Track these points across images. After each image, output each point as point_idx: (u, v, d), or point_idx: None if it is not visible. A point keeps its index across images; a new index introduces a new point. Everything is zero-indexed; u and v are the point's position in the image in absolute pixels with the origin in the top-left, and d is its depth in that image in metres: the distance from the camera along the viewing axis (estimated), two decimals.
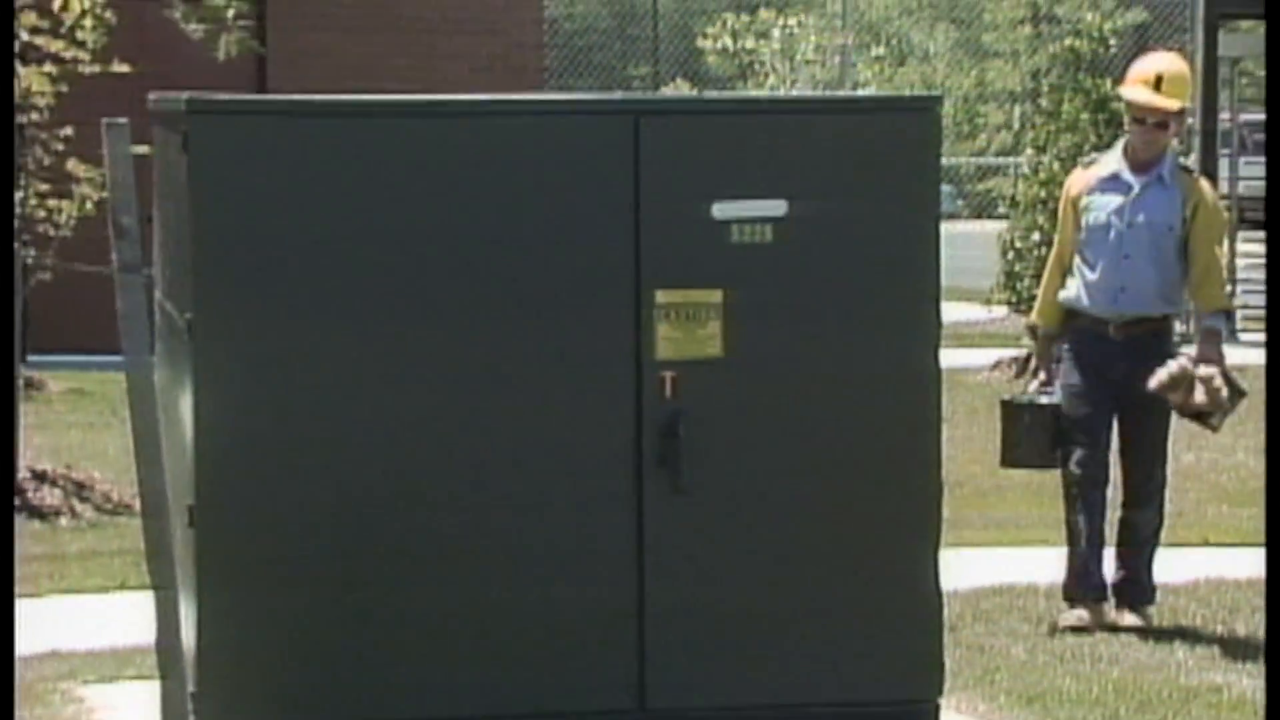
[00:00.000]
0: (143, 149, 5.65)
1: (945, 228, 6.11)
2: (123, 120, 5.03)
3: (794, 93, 20.58)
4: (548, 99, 7.28)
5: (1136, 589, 7.63)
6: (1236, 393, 7.60)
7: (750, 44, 22.50)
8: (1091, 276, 7.51)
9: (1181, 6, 18.87)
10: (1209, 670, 7.02)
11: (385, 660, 5.70)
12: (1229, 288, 9.60)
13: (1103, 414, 7.53)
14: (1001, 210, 17.29)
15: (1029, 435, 7.62)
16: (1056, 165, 15.35)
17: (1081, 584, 7.59)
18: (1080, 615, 7.51)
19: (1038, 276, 15.29)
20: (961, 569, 7.41)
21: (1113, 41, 16.68)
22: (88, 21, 10.27)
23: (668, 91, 25.18)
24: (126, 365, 4.88)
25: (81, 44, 10.51)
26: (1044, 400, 7.59)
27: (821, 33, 23.57)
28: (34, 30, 10.74)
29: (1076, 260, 7.58)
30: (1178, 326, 8.04)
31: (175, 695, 4.74)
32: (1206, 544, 9.26)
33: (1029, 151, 16.30)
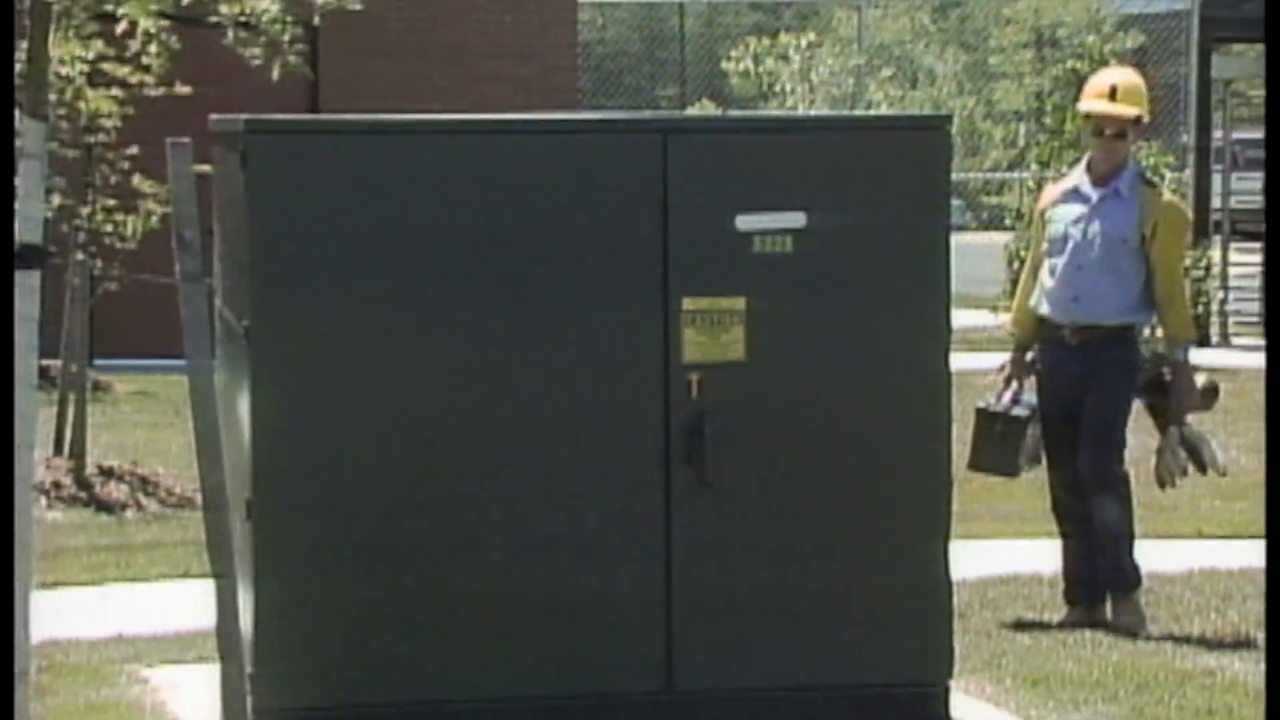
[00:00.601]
0: (204, 167, 5.66)
1: (954, 239, 6.10)
2: (185, 140, 5.04)
3: (812, 112, 20.54)
4: (582, 118, 7.28)
5: (1119, 575, 7.39)
6: (1213, 393, 7.55)
7: (770, 66, 22.47)
8: (1050, 284, 7.44)
9: (1177, 31, 18.82)
10: (1203, 654, 6.99)
11: (428, 644, 5.71)
12: (1196, 309, 9.33)
13: (1071, 420, 7.44)
14: (1007, 222, 17.25)
15: (1000, 444, 7.47)
16: None
17: (1080, 588, 7.50)
18: (1076, 616, 7.42)
19: None
20: (970, 560, 7.40)
21: (1112, 63, 16.63)
22: (153, 48, 10.30)
23: (693, 111, 25.14)
24: (188, 369, 4.90)
25: (146, 69, 10.54)
26: (1018, 412, 7.45)
27: (837, 56, 23.53)
28: (101, 57, 10.77)
29: (1042, 269, 7.52)
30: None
31: (234, 676, 4.76)
32: (1200, 536, 9.23)
33: (1034, 167, 16.28)
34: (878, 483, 5.87)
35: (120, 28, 9.68)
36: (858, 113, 20.83)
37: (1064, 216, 7.48)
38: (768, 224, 5.84)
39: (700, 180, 5.82)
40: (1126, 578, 7.44)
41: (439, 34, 16.98)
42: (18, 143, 4.56)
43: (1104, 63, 16.33)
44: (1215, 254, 17.86)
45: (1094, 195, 7.46)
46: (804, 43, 22.56)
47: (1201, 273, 16.52)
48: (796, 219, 5.85)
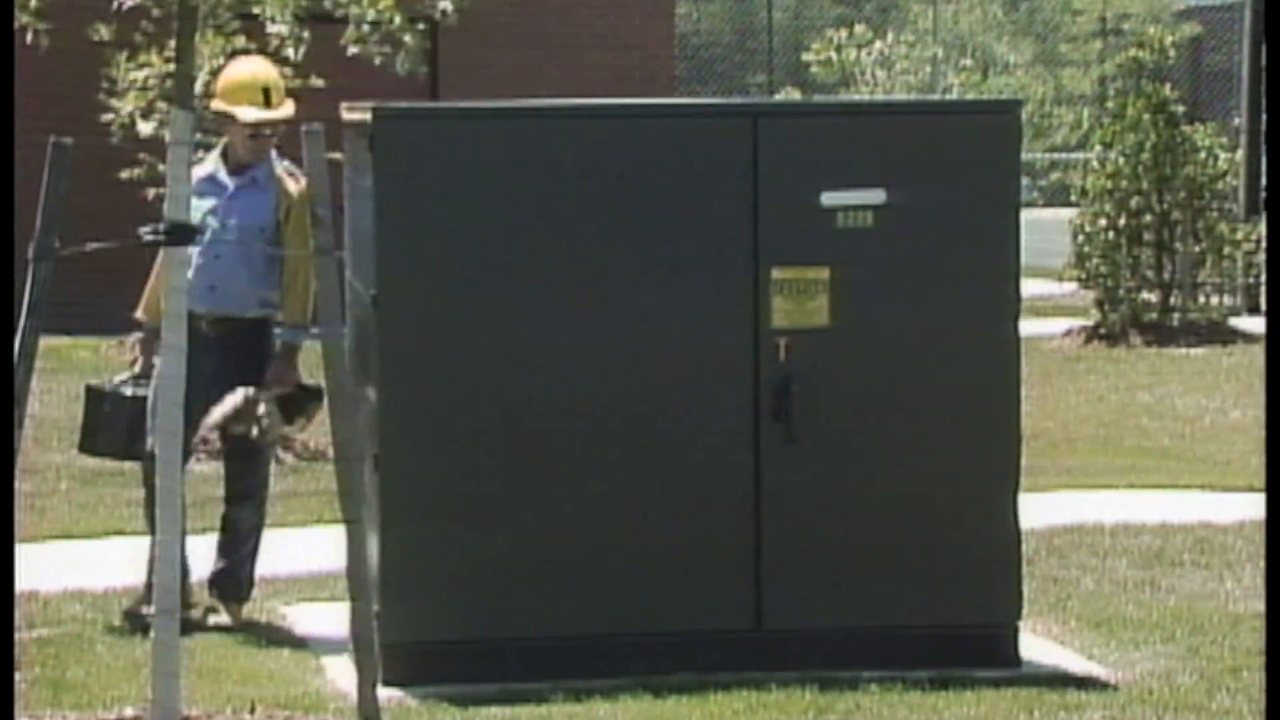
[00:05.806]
0: (335, 154, 5.68)
1: (1023, 214, 6.04)
2: (319, 126, 5.07)
3: (891, 97, 20.37)
4: (678, 103, 7.26)
5: (232, 582, 6.55)
6: (311, 397, 6.42)
7: (851, 56, 22.33)
8: (189, 274, 6.08)
9: (1231, 21, 18.55)
10: (1254, 599, 6.91)
11: (538, 584, 5.73)
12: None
13: (186, 407, 5.58)
14: (1073, 199, 17.06)
15: (107, 424, 6.55)
16: (1121, 160, 15.12)
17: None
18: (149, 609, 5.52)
19: (1105, 257, 15.14)
20: (1037, 510, 7.34)
21: (1171, 53, 16.38)
22: (290, 42, 10.33)
23: (780, 97, 25.01)
24: (322, 333, 4.93)
25: (285, 61, 10.58)
26: (128, 392, 6.56)
27: (914, 46, 23.34)
28: (244, 51, 10.83)
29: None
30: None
31: (363, 613, 4.79)
32: (1251, 489, 9.11)
33: (1097, 148, 16.07)
34: (951, 438, 5.83)
35: (268, 29, 9.71)
36: (933, 98, 20.69)
37: (201, 206, 6.43)
38: (850, 200, 5.81)
39: (788, 160, 5.80)
40: (239, 587, 6.56)
41: (548, 27, 16.99)
42: (166, 133, 4.59)
43: (1164, 52, 16.06)
44: (1264, 229, 17.60)
45: (230, 184, 6.65)
46: (884, 34, 22.39)
47: (1252, 246, 16.27)
48: (877, 196, 5.82)
